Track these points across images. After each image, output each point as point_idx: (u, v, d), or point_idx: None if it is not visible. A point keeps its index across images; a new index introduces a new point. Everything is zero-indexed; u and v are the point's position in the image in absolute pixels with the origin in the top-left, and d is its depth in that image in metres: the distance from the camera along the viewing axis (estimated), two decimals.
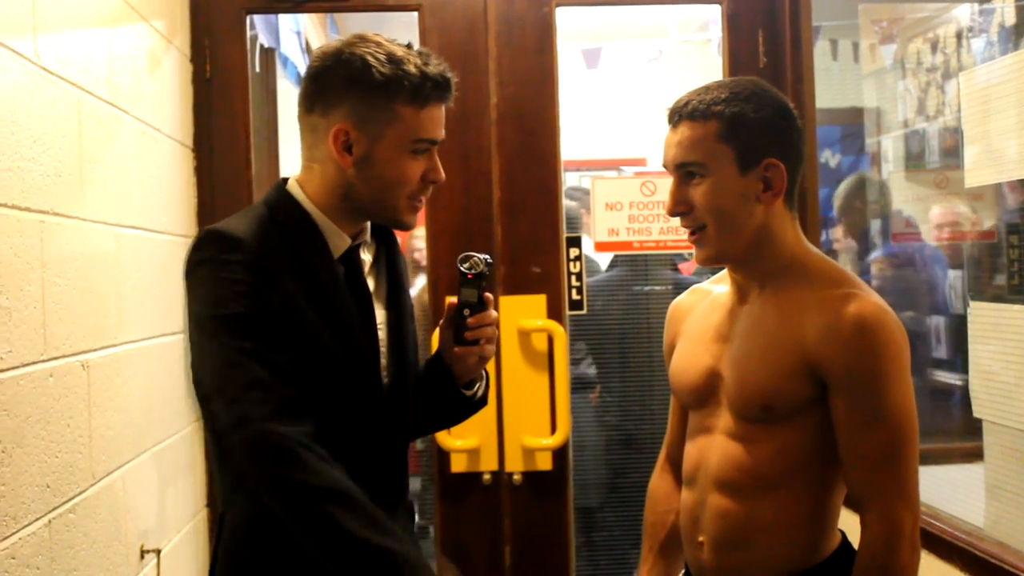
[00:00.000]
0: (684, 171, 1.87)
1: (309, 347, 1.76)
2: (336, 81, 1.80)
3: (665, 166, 1.92)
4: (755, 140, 1.83)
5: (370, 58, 1.78)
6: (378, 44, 1.81)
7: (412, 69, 1.79)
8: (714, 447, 1.91)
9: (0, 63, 1.87)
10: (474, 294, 1.92)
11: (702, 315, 2.04)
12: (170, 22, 2.98)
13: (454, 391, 2.02)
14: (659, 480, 2.19)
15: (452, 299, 1.96)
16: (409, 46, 1.84)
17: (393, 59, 1.79)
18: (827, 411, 1.81)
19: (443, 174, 1.88)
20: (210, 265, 1.76)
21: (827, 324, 1.78)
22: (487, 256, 1.94)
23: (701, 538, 1.92)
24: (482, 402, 2.09)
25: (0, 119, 1.86)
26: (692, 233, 1.91)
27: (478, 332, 1.94)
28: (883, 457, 1.76)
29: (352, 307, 1.83)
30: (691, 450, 1.99)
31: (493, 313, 1.96)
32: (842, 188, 4.72)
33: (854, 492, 1.81)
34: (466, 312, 1.93)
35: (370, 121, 1.79)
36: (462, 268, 1.92)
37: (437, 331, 2.08)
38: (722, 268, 2.04)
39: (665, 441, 2.21)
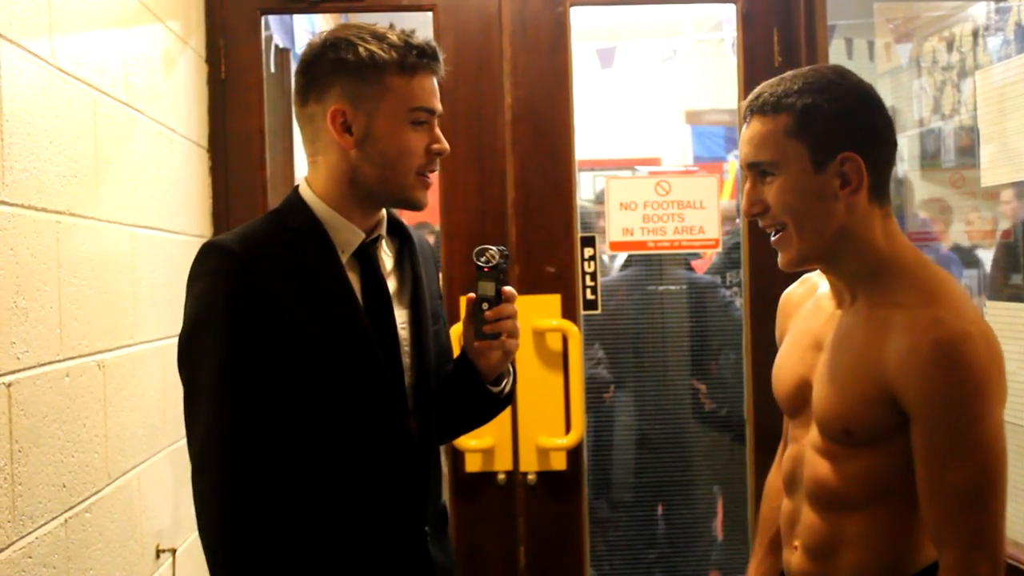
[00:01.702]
0: (757, 170, 1.77)
1: (301, 360, 1.77)
2: (325, 66, 1.82)
3: (741, 165, 1.82)
4: (830, 133, 1.71)
5: (354, 38, 1.81)
6: (360, 27, 1.84)
7: (396, 41, 1.81)
8: (805, 459, 1.85)
9: (16, 64, 1.88)
10: (491, 287, 1.90)
11: (806, 315, 1.95)
12: (185, 23, 2.98)
13: (479, 388, 2.00)
14: (774, 476, 2.14)
15: (471, 295, 1.94)
16: (391, 26, 1.86)
17: (376, 35, 1.81)
18: (910, 438, 1.69)
19: (447, 144, 1.88)
20: (198, 281, 1.80)
21: (908, 349, 1.64)
22: (503, 248, 1.92)
23: (796, 543, 1.88)
24: (508, 399, 2.07)
25: (16, 120, 1.87)
26: (775, 234, 1.80)
27: (497, 326, 1.92)
28: (964, 498, 1.63)
29: (358, 309, 1.83)
30: (787, 457, 1.94)
31: (511, 306, 1.93)
32: None
33: (931, 532, 1.69)
34: (484, 306, 1.91)
35: (363, 97, 1.80)
36: (478, 262, 1.90)
37: (459, 328, 2.05)
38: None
39: (783, 437, 2.10)
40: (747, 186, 1.79)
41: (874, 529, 1.76)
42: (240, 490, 1.73)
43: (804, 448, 1.86)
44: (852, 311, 1.79)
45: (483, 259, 1.90)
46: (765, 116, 1.74)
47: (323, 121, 1.82)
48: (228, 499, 1.73)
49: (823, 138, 1.71)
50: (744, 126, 1.80)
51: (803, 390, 1.85)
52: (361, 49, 1.79)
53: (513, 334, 1.94)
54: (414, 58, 1.81)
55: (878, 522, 1.76)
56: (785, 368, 1.93)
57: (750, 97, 1.79)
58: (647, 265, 3.71)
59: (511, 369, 2.07)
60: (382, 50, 1.79)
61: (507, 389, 2.05)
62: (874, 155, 1.74)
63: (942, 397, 1.61)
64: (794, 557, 1.88)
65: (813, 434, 1.82)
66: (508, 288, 1.92)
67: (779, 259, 1.81)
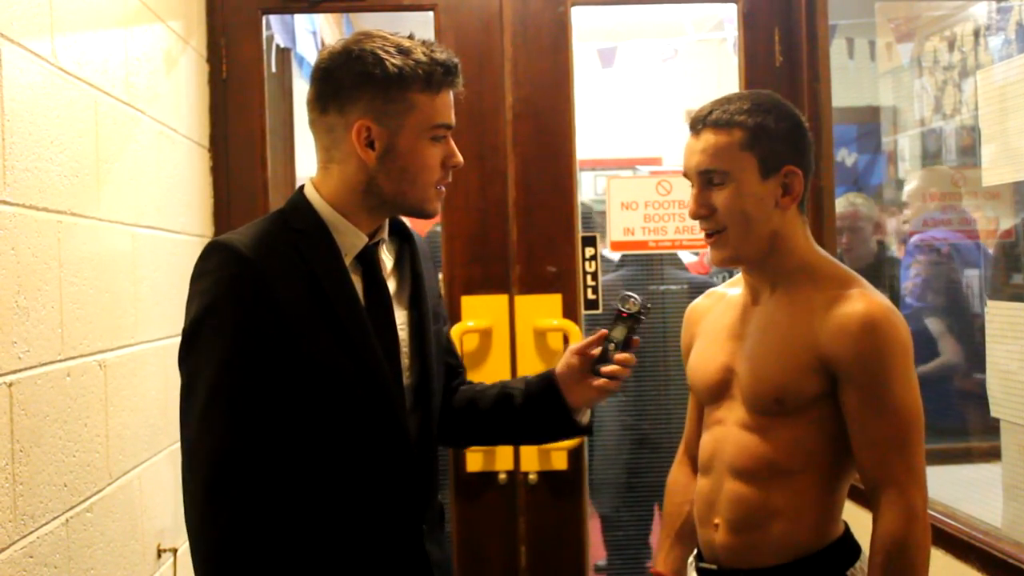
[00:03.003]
0: (707, 177, 1.96)
1: (302, 360, 1.77)
2: (349, 78, 1.81)
3: (686, 172, 2.01)
4: (776, 149, 1.94)
5: (380, 52, 1.80)
6: (384, 38, 1.83)
7: (422, 57, 1.81)
8: (729, 438, 2.01)
9: (18, 64, 1.88)
10: (623, 333, 1.98)
11: (717, 316, 2.13)
12: (186, 22, 2.99)
13: (563, 414, 2.02)
14: (677, 472, 2.29)
15: (602, 331, 1.99)
16: (411, 37, 1.86)
17: (402, 50, 1.81)
18: (835, 405, 1.91)
19: (461, 158, 1.89)
20: (202, 279, 1.80)
21: (837, 322, 1.88)
22: (647, 302, 1.99)
23: (716, 520, 2.01)
24: (588, 430, 2.08)
25: (18, 119, 1.87)
26: (709, 235, 2.00)
27: (616, 371, 1.96)
28: (894, 443, 1.87)
29: (360, 311, 1.83)
30: (706, 441, 2.08)
31: (635, 358, 1.99)
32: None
33: (867, 477, 1.90)
34: (611, 347, 1.97)
35: (388, 114, 1.80)
36: (619, 306, 1.98)
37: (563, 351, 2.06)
38: (736, 270, 2.12)
39: (684, 437, 2.31)
40: (695, 191, 1.99)
41: (799, 499, 1.94)
42: (228, 489, 1.73)
43: (728, 429, 2.02)
44: (772, 301, 2.01)
45: (626, 305, 1.98)
46: (719, 130, 1.95)
47: (344, 133, 1.82)
48: (215, 498, 1.73)
49: (771, 152, 1.95)
50: (692, 137, 2.00)
51: (726, 375, 2.04)
52: (388, 64, 1.78)
53: (620, 382, 1.99)
54: (440, 76, 1.82)
55: (803, 492, 1.94)
56: (706, 360, 2.10)
57: (699, 112, 2.00)
58: (644, 264, 3.72)
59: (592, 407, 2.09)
60: (408, 66, 1.79)
61: (585, 420, 2.06)
62: (806, 171, 1.99)
63: (872, 360, 1.86)
64: (716, 535, 2.01)
65: (738, 413, 2.00)
66: (637, 339, 1.99)
67: (712, 256, 2.02)
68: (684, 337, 2.24)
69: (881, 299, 1.91)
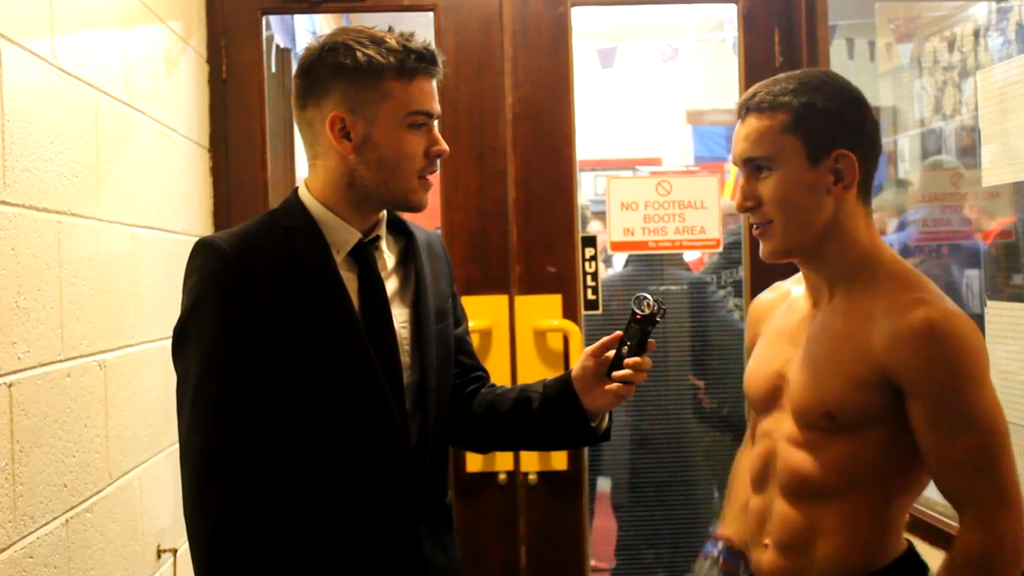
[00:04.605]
0: (752, 165, 1.83)
1: (288, 356, 1.78)
2: (323, 71, 1.82)
3: (734, 161, 1.88)
4: (825, 131, 1.78)
5: (352, 43, 1.81)
6: (359, 31, 1.84)
7: (394, 44, 1.81)
8: (778, 454, 1.88)
9: (18, 64, 1.88)
10: (637, 335, 1.91)
11: (780, 316, 2.00)
12: (186, 23, 2.99)
13: (580, 419, 1.97)
14: (744, 456, 2.17)
15: (617, 333, 1.93)
16: (390, 30, 1.86)
17: (374, 39, 1.82)
18: (898, 424, 1.74)
19: (446, 146, 1.88)
20: (190, 278, 1.84)
21: (895, 330, 1.71)
22: (663, 304, 1.92)
23: (766, 541, 1.90)
24: (606, 436, 2.04)
25: (18, 120, 1.87)
26: (757, 227, 1.86)
27: (629, 374, 1.91)
28: (977, 463, 1.69)
29: (348, 305, 1.83)
30: (756, 456, 1.96)
31: (650, 361, 1.93)
32: None
33: (950, 499, 1.75)
34: (625, 349, 1.92)
35: (362, 103, 1.81)
36: (634, 308, 1.92)
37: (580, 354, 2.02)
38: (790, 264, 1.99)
39: (749, 424, 2.19)
40: (741, 181, 1.85)
41: (849, 519, 1.79)
42: (218, 480, 1.74)
43: (776, 443, 1.89)
44: (830, 308, 1.85)
45: (641, 307, 1.92)
46: (762, 113, 1.80)
47: (321, 126, 1.83)
48: (206, 489, 1.75)
49: (819, 135, 1.78)
50: (739, 124, 1.86)
51: (777, 383, 1.90)
52: (359, 54, 1.79)
53: (635, 385, 1.94)
54: (412, 62, 1.81)
55: (854, 512, 1.79)
56: (759, 364, 1.97)
57: (745, 96, 1.85)
58: (647, 264, 3.71)
59: (609, 412, 2.04)
60: (380, 55, 1.80)
61: (604, 425, 2.02)
62: (864, 154, 1.81)
63: (941, 370, 1.68)
64: (765, 555, 1.90)
65: (787, 427, 1.86)
66: (652, 341, 1.93)
67: (762, 249, 1.88)
68: (748, 335, 2.12)
69: (947, 303, 1.73)
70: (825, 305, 1.87)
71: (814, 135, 1.78)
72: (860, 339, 1.76)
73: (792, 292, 2.02)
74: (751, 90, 1.85)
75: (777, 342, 1.95)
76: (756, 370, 1.98)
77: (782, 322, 1.97)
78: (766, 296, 2.10)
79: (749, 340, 2.11)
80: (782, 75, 1.85)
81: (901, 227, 4.39)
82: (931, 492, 2.69)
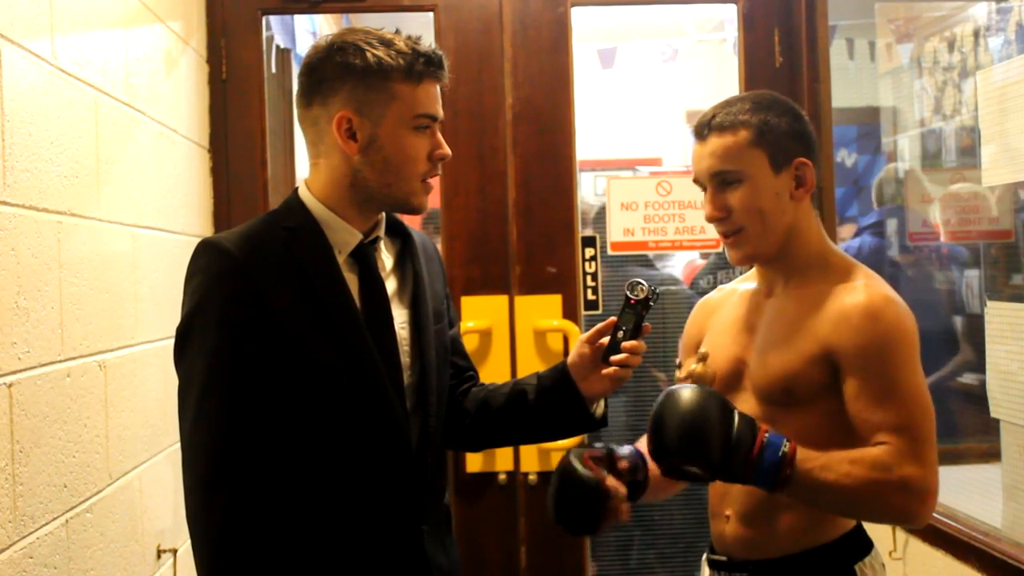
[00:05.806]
0: (719, 179, 1.97)
1: (293, 357, 1.78)
2: (331, 70, 1.82)
3: (697, 178, 2.02)
4: (783, 142, 1.96)
5: (361, 43, 1.81)
6: (367, 32, 1.84)
7: (404, 48, 1.82)
8: None
9: (18, 64, 1.88)
10: (632, 320, 1.97)
11: (730, 309, 2.14)
12: (186, 23, 2.99)
13: (578, 406, 2.01)
14: None
15: (611, 319, 1.98)
16: (397, 32, 1.86)
17: (384, 41, 1.82)
18: (841, 396, 1.87)
19: (448, 150, 1.89)
20: (193, 279, 1.83)
21: (838, 311, 1.89)
22: (656, 288, 1.99)
23: (728, 512, 2.02)
24: (604, 422, 2.07)
25: (18, 120, 1.87)
26: (727, 236, 2.01)
27: (626, 359, 1.95)
28: (898, 428, 1.80)
29: (351, 306, 1.83)
30: None
31: (645, 345, 1.98)
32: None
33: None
34: (620, 335, 1.96)
35: (369, 104, 1.81)
36: (628, 293, 1.98)
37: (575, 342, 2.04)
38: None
39: None
40: (709, 195, 2.00)
41: None
42: (224, 481, 1.74)
43: None
44: (784, 295, 2.02)
45: (634, 292, 1.97)
46: (724, 132, 1.97)
47: (327, 125, 1.83)
48: (211, 491, 1.74)
49: (779, 147, 1.96)
50: (697, 144, 2.02)
51: (737, 367, 2.04)
52: (368, 55, 1.80)
53: (631, 370, 1.98)
54: (421, 65, 1.82)
55: None
56: (718, 352, 2.07)
57: (702, 118, 2.01)
58: (616, 266, 3.70)
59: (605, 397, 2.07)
60: (389, 56, 1.80)
61: (599, 411, 2.05)
62: (816, 161, 2.01)
63: (871, 347, 1.84)
64: (728, 526, 2.02)
65: (749, 405, 1.97)
66: (647, 325, 1.98)
67: (731, 255, 2.03)
68: (691, 330, 2.23)
69: (884, 288, 1.91)
70: (780, 291, 2.03)
71: (775, 147, 1.95)
72: (810, 321, 1.92)
73: (739, 289, 2.17)
74: (708, 112, 2.01)
75: (733, 330, 2.08)
76: (717, 356, 2.08)
77: (734, 313, 2.11)
78: (713, 296, 2.25)
79: (695, 332, 2.21)
80: (732, 98, 2.04)
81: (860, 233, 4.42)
82: (954, 502, 2.70)
